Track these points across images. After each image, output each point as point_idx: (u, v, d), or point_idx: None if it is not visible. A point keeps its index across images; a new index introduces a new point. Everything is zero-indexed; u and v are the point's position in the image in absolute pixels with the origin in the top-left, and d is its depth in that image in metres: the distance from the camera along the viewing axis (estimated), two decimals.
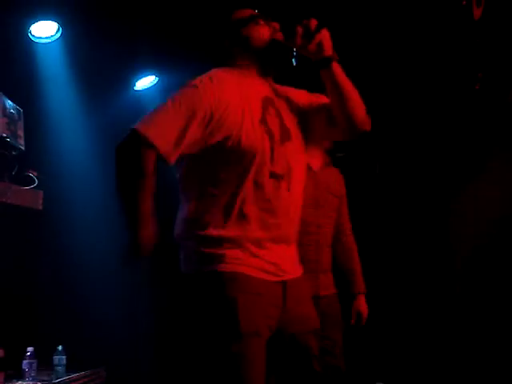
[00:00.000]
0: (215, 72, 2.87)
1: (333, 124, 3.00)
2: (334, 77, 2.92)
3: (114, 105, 6.14)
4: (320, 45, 2.88)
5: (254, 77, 2.96)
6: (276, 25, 2.97)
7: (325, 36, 2.89)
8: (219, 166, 2.78)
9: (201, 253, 2.75)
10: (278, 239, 2.84)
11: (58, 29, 5.63)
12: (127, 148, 2.68)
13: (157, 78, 6.30)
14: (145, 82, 6.35)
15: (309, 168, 3.81)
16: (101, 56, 5.77)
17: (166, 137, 2.66)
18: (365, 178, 6.31)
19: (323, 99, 3.05)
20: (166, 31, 5.65)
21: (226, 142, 2.74)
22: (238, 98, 2.83)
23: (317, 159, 4.37)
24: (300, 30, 2.85)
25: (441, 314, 6.08)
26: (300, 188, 2.95)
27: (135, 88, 6.34)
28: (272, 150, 2.83)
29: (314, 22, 2.86)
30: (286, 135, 2.91)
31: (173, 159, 2.70)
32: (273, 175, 2.83)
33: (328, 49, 2.90)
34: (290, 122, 2.97)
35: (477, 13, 4.85)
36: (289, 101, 3.03)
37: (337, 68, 2.93)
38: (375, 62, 5.79)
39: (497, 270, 4.88)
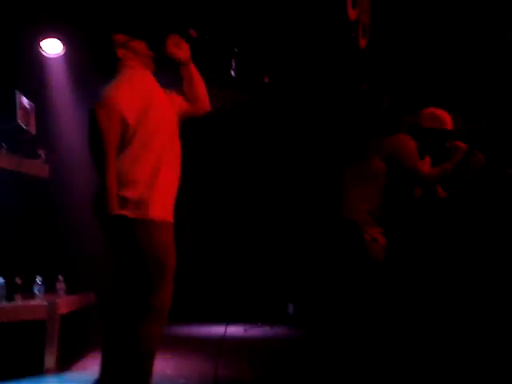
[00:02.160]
0: (132, 73, 3.04)
1: (188, 103, 3.25)
2: (190, 71, 3.22)
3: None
4: (184, 50, 3.15)
5: (147, 74, 3.14)
6: (144, 42, 3.18)
7: (185, 44, 3.16)
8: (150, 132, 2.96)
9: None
10: None
11: (62, 46, 5.74)
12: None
13: None
14: None
15: None
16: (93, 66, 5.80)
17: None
18: None
19: (177, 95, 3.27)
20: None
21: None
22: (148, 89, 3.06)
23: None
24: (170, 42, 3.11)
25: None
26: None
27: None
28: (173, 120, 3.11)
29: (177, 36, 3.13)
30: (174, 116, 3.15)
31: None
32: (177, 137, 3.12)
33: (187, 52, 3.17)
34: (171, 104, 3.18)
35: (362, 42, 5.08)
36: (165, 91, 3.21)
37: (192, 65, 3.22)
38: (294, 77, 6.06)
39: None
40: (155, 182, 2.92)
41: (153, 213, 2.88)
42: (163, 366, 4.44)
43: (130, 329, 2.87)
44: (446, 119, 3.89)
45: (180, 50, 3.16)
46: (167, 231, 2.98)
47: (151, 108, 2.96)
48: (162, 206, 2.95)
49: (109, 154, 2.83)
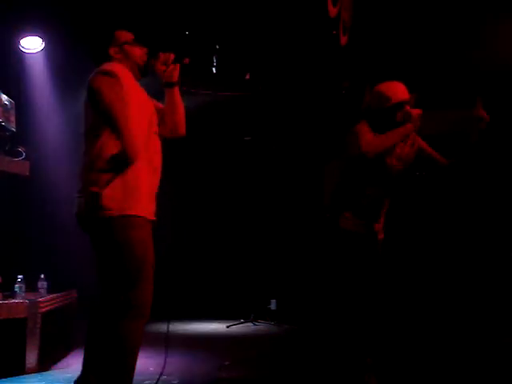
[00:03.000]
0: (117, 67, 3.01)
1: (162, 124, 3.21)
2: (173, 95, 3.19)
3: (80, 98, 5.95)
4: (172, 72, 3.13)
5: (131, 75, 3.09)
6: (146, 49, 3.16)
7: (176, 68, 3.14)
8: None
9: None
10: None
11: (42, 43, 5.66)
12: None
13: None
14: None
15: None
16: (73, 64, 5.79)
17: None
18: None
19: (159, 105, 3.26)
20: None
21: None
22: (132, 83, 3.03)
23: None
24: (162, 58, 3.11)
25: None
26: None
27: None
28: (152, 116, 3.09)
29: (172, 56, 3.11)
30: (153, 113, 3.13)
31: None
32: (156, 132, 3.11)
33: (175, 77, 3.15)
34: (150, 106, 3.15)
35: (343, 40, 5.07)
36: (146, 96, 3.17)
37: (177, 90, 3.19)
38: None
39: None
40: (135, 180, 2.92)
41: (132, 211, 2.89)
42: (146, 362, 4.45)
43: (111, 326, 2.87)
44: (392, 92, 3.57)
45: (168, 70, 3.14)
46: (145, 229, 2.98)
47: (130, 104, 2.93)
48: (142, 205, 2.95)
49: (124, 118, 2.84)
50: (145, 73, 3.14)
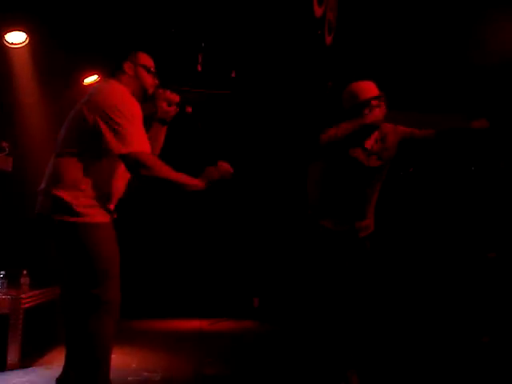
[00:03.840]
0: (127, 92, 3.04)
1: None
2: (160, 132, 3.24)
3: (63, 94, 5.83)
4: (170, 112, 3.19)
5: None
6: (157, 81, 3.18)
7: (175, 110, 3.20)
8: None
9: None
10: None
11: (26, 38, 5.60)
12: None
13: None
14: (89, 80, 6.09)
15: None
16: (57, 60, 5.76)
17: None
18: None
19: None
20: None
21: None
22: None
23: None
24: (167, 95, 3.15)
25: None
26: None
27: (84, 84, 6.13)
28: None
29: (177, 99, 3.16)
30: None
31: None
32: None
33: (170, 118, 3.22)
34: None
35: (328, 39, 5.09)
36: None
37: (165, 129, 3.26)
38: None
39: None
40: (103, 191, 2.99)
41: (96, 218, 2.95)
42: (128, 359, 4.48)
43: (83, 323, 2.91)
44: (360, 91, 3.63)
45: (168, 109, 3.17)
46: (109, 228, 3.03)
47: None
48: (106, 212, 3.02)
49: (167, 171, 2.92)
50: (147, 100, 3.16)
